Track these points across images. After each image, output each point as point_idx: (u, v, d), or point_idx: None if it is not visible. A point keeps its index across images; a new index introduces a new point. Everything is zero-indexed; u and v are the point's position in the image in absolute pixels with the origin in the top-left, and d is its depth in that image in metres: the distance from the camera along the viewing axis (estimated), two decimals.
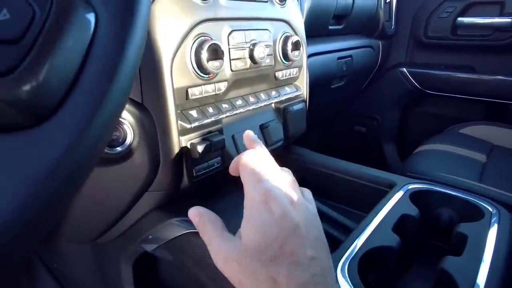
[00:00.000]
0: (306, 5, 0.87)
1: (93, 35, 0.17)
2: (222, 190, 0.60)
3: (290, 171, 0.39)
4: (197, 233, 0.48)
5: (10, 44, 0.15)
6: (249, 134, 0.42)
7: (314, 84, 0.86)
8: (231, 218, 0.51)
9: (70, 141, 0.17)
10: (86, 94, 0.17)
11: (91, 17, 0.17)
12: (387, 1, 1.28)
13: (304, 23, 0.71)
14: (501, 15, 1.19)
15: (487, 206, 0.54)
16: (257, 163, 0.36)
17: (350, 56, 1.15)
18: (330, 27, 1.04)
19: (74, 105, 0.17)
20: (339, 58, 1.09)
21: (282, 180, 0.36)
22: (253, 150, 0.38)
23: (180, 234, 0.49)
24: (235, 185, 0.62)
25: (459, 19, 1.25)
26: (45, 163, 0.16)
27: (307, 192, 0.39)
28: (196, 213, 0.38)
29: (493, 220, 0.51)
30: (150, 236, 0.53)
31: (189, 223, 0.50)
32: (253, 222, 0.32)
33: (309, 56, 0.92)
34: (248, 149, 0.39)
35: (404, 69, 1.40)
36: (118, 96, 0.18)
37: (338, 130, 1.65)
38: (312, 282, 0.29)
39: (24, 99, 0.15)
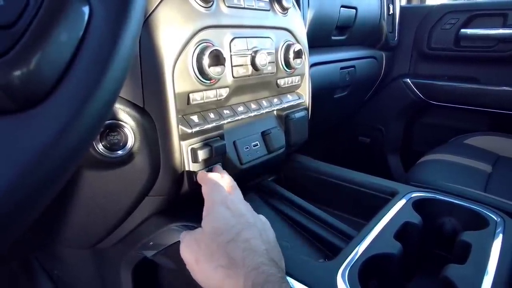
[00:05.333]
0: (309, 15, 0.88)
1: (87, 27, 0.18)
2: None
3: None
4: None
5: (2, 29, 0.16)
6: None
7: (317, 94, 0.86)
8: None
9: (59, 128, 0.17)
10: (77, 84, 0.17)
11: (85, 9, 0.18)
12: (390, 13, 1.29)
13: (307, 33, 0.71)
14: (504, 26, 1.19)
15: (492, 215, 0.53)
16: (218, 180, 0.45)
17: (353, 66, 1.16)
18: (333, 38, 1.05)
19: (65, 93, 0.17)
20: (342, 68, 1.10)
21: (239, 197, 0.44)
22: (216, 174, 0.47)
23: (179, 239, 0.49)
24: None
25: (462, 30, 1.26)
26: (33, 148, 0.16)
27: (263, 217, 0.43)
28: None
29: (498, 229, 0.50)
30: (150, 242, 0.52)
31: (189, 228, 0.50)
32: (212, 216, 0.38)
33: (312, 65, 0.93)
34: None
35: (408, 80, 1.40)
36: (110, 87, 0.19)
37: (342, 141, 1.65)
38: (266, 264, 0.33)
39: (15, 83, 0.16)
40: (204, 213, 0.40)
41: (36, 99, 0.17)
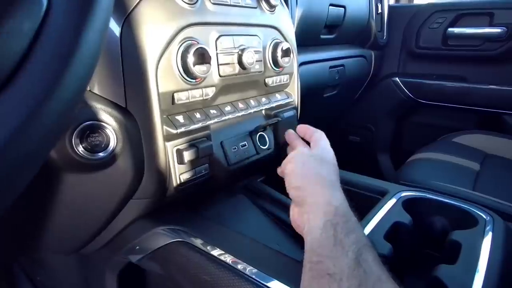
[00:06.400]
0: (297, 13, 0.88)
1: (44, 18, 0.16)
2: (210, 198, 0.59)
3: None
4: (182, 242, 0.46)
5: None
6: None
7: (306, 93, 0.86)
8: (220, 225, 0.50)
9: (12, 128, 0.15)
10: (33, 79, 0.16)
11: None
12: (378, 12, 1.29)
13: (296, 32, 0.71)
14: (490, 25, 1.21)
15: (481, 214, 0.53)
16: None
17: (342, 65, 1.15)
18: (322, 36, 1.05)
19: (18, 89, 0.16)
20: (331, 67, 1.09)
21: None
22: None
23: (165, 243, 0.47)
24: (223, 192, 0.61)
25: (450, 29, 1.27)
26: None
27: None
28: None
29: (487, 227, 0.50)
30: (136, 247, 0.51)
31: (175, 232, 0.48)
32: None
33: (301, 64, 0.92)
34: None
35: (397, 79, 1.40)
36: (71, 84, 0.17)
37: (332, 140, 1.63)
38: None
39: None
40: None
41: None
